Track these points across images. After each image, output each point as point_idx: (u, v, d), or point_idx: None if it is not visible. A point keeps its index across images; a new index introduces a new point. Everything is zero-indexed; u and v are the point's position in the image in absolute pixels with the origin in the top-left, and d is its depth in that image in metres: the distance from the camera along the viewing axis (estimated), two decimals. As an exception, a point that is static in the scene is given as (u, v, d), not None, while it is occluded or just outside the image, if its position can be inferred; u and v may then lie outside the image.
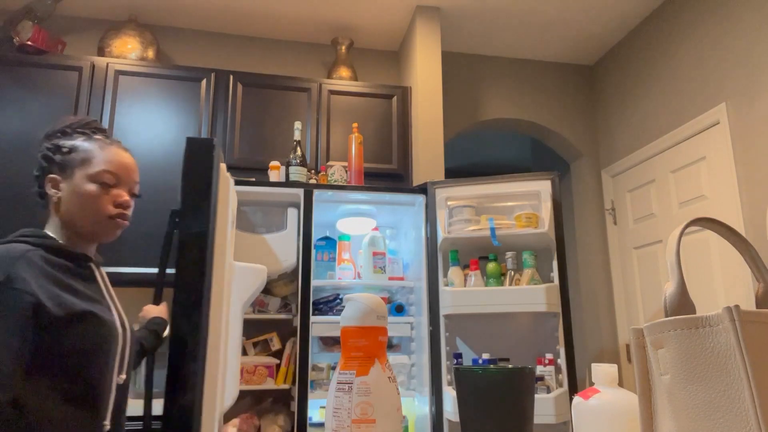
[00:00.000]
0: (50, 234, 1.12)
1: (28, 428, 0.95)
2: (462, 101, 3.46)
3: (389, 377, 0.67)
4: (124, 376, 1.14)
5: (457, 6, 3.08)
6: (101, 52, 2.85)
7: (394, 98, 3.00)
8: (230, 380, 1.73)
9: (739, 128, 2.50)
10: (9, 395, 0.92)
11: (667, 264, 0.60)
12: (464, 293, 2.31)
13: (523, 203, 2.45)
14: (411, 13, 3.13)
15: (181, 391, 1.34)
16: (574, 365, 2.23)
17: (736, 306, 0.50)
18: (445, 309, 2.32)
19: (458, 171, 5.84)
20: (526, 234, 2.34)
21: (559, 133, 3.57)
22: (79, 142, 1.15)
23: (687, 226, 0.62)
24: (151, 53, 2.89)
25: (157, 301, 1.49)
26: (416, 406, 2.47)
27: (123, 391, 1.14)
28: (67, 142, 1.15)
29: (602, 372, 0.78)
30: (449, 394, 2.24)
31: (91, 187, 1.12)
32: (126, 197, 1.16)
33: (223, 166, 1.55)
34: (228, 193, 1.85)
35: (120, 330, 1.13)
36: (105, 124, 2.65)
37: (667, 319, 0.56)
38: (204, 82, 2.80)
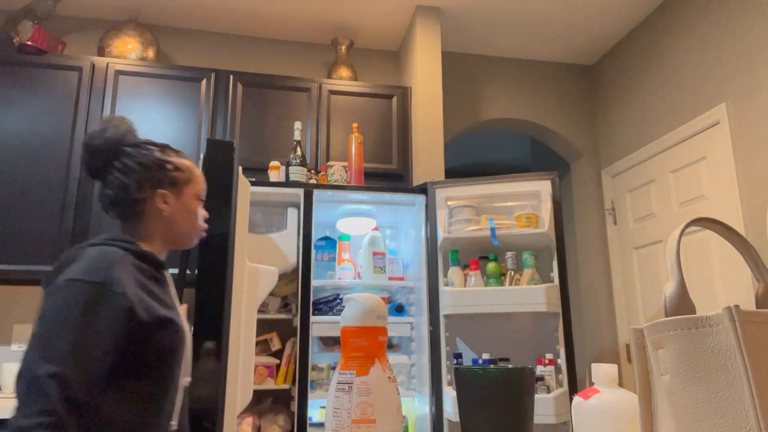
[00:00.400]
0: (134, 240, 1.17)
1: (104, 428, 0.97)
2: (462, 101, 3.46)
3: (389, 377, 0.67)
4: (188, 379, 1.19)
5: (457, 6, 3.08)
6: (101, 52, 2.85)
7: (394, 98, 3.00)
8: (246, 380, 1.73)
9: (739, 128, 2.50)
10: (92, 396, 0.93)
11: (667, 264, 0.60)
12: (464, 293, 2.31)
13: (523, 203, 2.45)
14: (411, 13, 3.13)
15: (206, 389, 1.37)
16: (574, 365, 2.23)
17: (736, 306, 0.50)
18: (445, 309, 2.32)
19: (458, 171, 5.84)
20: (526, 234, 2.34)
21: (559, 133, 3.57)
22: (178, 160, 1.25)
23: (687, 226, 0.62)
24: (151, 53, 2.89)
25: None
26: (416, 406, 2.47)
27: (185, 392, 1.19)
28: (170, 159, 1.23)
29: (602, 372, 0.78)
30: (449, 394, 2.24)
31: (196, 204, 1.27)
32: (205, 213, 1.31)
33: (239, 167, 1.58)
34: (246, 195, 1.86)
35: (187, 335, 1.19)
36: (105, 124, 2.65)
37: (667, 319, 0.56)
38: (204, 82, 2.80)
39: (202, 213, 1.28)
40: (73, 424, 0.88)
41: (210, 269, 1.55)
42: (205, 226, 1.29)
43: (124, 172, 1.17)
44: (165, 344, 1.06)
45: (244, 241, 1.73)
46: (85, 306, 0.95)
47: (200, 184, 1.28)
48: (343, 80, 3.05)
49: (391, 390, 0.66)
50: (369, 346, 0.67)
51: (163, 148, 1.25)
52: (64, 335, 0.92)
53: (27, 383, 0.88)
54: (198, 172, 1.28)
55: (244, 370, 1.71)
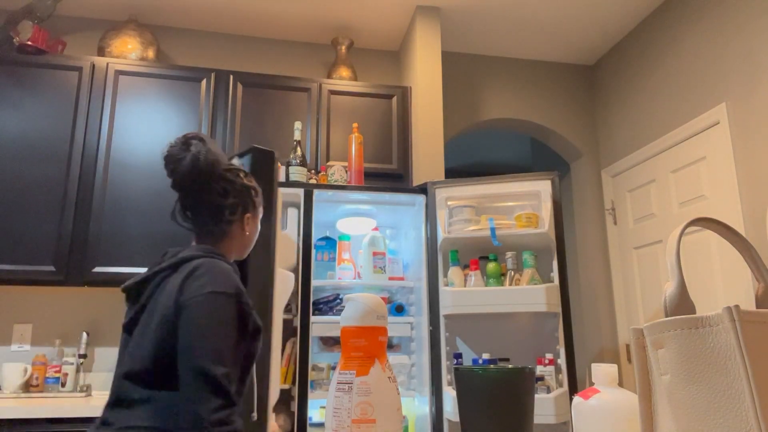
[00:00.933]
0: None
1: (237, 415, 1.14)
2: (462, 101, 3.46)
3: (389, 377, 0.67)
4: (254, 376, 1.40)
5: (457, 6, 3.08)
6: (101, 52, 2.85)
7: (394, 98, 3.00)
8: (275, 379, 1.81)
9: (739, 128, 2.50)
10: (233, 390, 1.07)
11: (667, 264, 0.60)
12: (464, 293, 2.31)
13: (523, 203, 2.45)
14: (411, 13, 3.13)
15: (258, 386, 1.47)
16: (574, 365, 2.23)
17: (736, 306, 0.50)
18: (445, 309, 2.32)
19: (458, 171, 5.84)
20: (526, 234, 2.34)
21: (559, 133, 3.57)
22: (256, 184, 1.36)
23: (687, 226, 0.62)
24: (151, 53, 2.89)
25: None
26: (416, 406, 2.47)
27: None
28: (253, 184, 1.35)
29: (602, 372, 0.78)
30: (449, 394, 2.24)
31: (260, 224, 1.39)
32: None
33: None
34: (279, 200, 1.94)
35: None
36: (105, 124, 2.65)
37: (667, 319, 0.56)
38: (204, 82, 2.80)
39: None
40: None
41: (257, 275, 1.64)
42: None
43: (222, 195, 1.25)
44: (257, 347, 1.20)
45: (280, 246, 1.78)
46: (230, 315, 1.09)
47: (261, 209, 1.38)
48: (343, 80, 3.05)
49: (391, 390, 0.66)
50: (369, 346, 0.66)
51: (246, 173, 1.34)
52: (224, 341, 1.06)
53: (206, 381, 1.02)
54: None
55: (274, 369, 1.79)
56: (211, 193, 1.25)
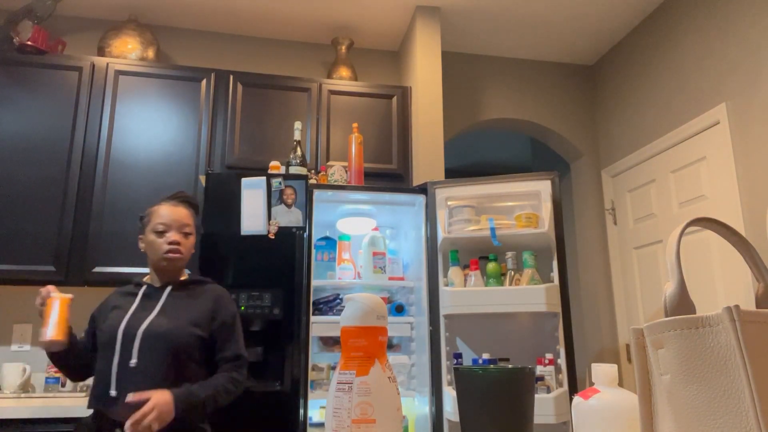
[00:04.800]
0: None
1: None
2: (462, 101, 3.46)
3: (389, 377, 0.67)
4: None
5: (457, 6, 3.08)
6: (101, 52, 2.85)
7: (394, 98, 3.00)
8: None
9: (739, 128, 2.50)
10: None
11: (667, 264, 0.60)
12: (464, 293, 2.31)
13: (523, 203, 2.45)
14: (411, 13, 3.13)
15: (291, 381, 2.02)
16: (574, 365, 2.23)
17: (736, 306, 0.50)
18: (445, 309, 2.32)
19: (458, 171, 5.84)
20: (526, 234, 2.34)
21: (559, 133, 3.57)
22: (150, 209, 1.77)
23: (687, 226, 0.62)
24: (151, 53, 2.89)
25: None
26: (416, 406, 2.47)
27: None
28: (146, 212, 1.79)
29: (602, 372, 0.78)
30: (449, 394, 2.24)
31: (152, 236, 1.71)
32: (174, 237, 1.70)
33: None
34: None
35: None
36: (105, 124, 2.65)
37: (667, 319, 0.56)
38: (204, 82, 2.80)
39: (167, 239, 1.71)
40: None
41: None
42: (168, 248, 1.70)
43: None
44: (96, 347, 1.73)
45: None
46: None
47: (153, 222, 1.72)
48: (343, 80, 3.05)
49: (391, 390, 0.66)
50: (369, 346, 0.66)
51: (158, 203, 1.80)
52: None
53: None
54: (159, 210, 1.73)
55: None
56: None
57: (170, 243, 1.69)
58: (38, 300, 1.56)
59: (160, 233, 1.69)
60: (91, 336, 1.72)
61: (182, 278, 1.77)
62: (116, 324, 1.60)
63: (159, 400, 1.46)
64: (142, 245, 1.74)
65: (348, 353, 0.67)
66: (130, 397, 1.44)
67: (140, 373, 1.55)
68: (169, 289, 1.70)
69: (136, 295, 1.69)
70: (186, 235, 1.73)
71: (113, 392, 1.54)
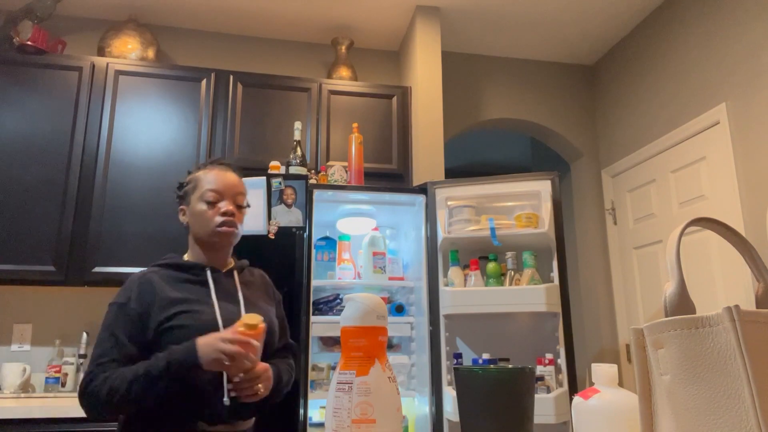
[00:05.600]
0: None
1: None
2: (462, 101, 3.46)
3: (389, 377, 0.67)
4: None
5: (457, 6, 3.08)
6: (101, 52, 2.85)
7: (394, 98, 3.00)
8: None
9: (739, 128, 2.50)
10: None
11: (667, 264, 0.60)
12: (464, 293, 2.31)
13: (523, 203, 2.45)
14: (411, 13, 3.13)
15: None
16: (574, 365, 2.23)
17: (736, 306, 0.50)
18: (445, 309, 2.32)
19: (458, 171, 5.84)
20: (526, 234, 2.34)
21: (559, 133, 3.57)
22: (192, 176, 1.46)
23: (687, 226, 0.62)
24: (151, 53, 2.89)
25: None
26: (416, 406, 2.47)
27: None
28: (186, 179, 1.48)
29: (602, 372, 0.78)
30: (449, 394, 2.24)
31: (201, 206, 1.40)
32: (229, 207, 1.40)
33: None
34: None
35: None
36: (105, 124, 2.65)
37: (667, 319, 0.56)
38: (204, 82, 2.80)
39: (219, 209, 1.40)
40: None
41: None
42: (221, 219, 1.39)
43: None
44: (173, 339, 1.36)
45: None
46: (108, 321, 1.33)
47: (200, 190, 1.42)
48: (343, 80, 3.05)
49: (391, 390, 0.65)
50: (369, 346, 0.66)
51: (195, 170, 1.50)
52: (99, 345, 1.29)
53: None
54: (209, 176, 1.42)
55: None
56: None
57: (224, 214, 1.38)
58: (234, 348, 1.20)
59: (211, 203, 1.39)
60: (141, 339, 1.28)
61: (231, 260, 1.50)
62: (211, 318, 1.30)
63: (267, 370, 1.29)
64: (184, 219, 1.44)
65: (348, 353, 0.67)
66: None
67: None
68: (236, 275, 1.44)
69: (202, 282, 1.37)
70: (240, 207, 1.44)
71: (227, 399, 1.25)
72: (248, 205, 1.47)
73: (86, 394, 1.21)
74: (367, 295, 0.69)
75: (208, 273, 1.38)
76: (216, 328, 1.27)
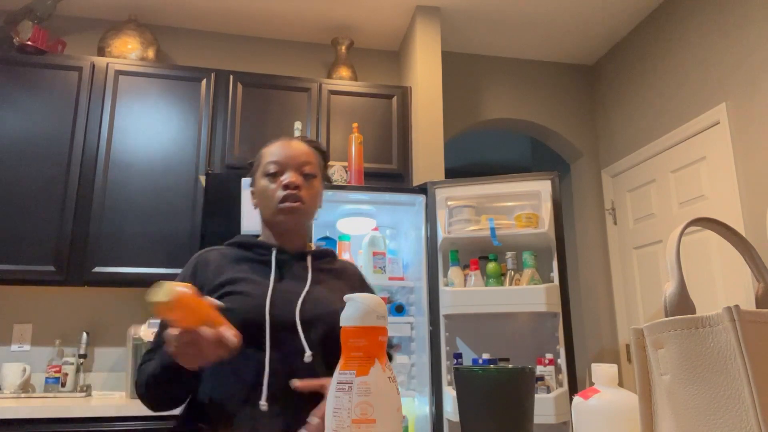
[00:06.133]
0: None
1: None
2: (462, 101, 3.46)
3: (389, 377, 0.67)
4: None
5: (457, 6, 3.08)
6: (101, 52, 2.85)
7: (394, 98, 3.00)
8: None
9: (739, 128, 2.50)
10: None
11: (667, 264, 0.60)
12: (464, 293, 2.31)
13: (523, 203, 2.45)
14: (411, 13, 3.13)
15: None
16: (574, 365, 2.23)
17: (736, 306, 0.50)
18: (445, 309, 2.32)
19: (458, 171, 5.84)
20: (526, 234, 2.34)
21: (559, 133, 3.57)
22: (259, 153, 1.30)
23: (687, 226, 0.62)
24: (151, 53, 2.89)
25: None
26: (416, 406, 2.47)
27: None
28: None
29: (602, 372, 0.78)
30: (449, 394, 2.24)
31: (263, 182, 1.23)
32: (292, 179, 1.19)
33: None
34: None
35: None
36: (105, 124, 2.65)
37: (667, 319, 0.56)
38: (204, 82, 2.80)
39: (282, 181, 1.21)
40: None
41: None
42: (284, 193, 1.19)
43: None
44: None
45: None
46: None
47: (265, 160, 1.25)
48: (343, 80, 3.05)
49: (391, 390, 0.66)
50: (369, 346, 0.67)
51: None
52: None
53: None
54: (269, 149, 1.26)
55: None
56: None
57: (286, 187, 1.19)
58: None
59: (272, 175, 1.21)
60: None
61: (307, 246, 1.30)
62: (258, 302, 1.11)
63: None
64: (254, 200, 1.27)
65: (348, 353, 0.67)
66: (298, 383, 1.02)
67: (313, 371, 1.09)
68: (310, 258, 1.24)
69: (266, 262, 1.19)
70: (308, 177, 1.22)
71: (264, 405, 1.03)
72: (327, 180, 1.27)
73: (136, 387, 1.11)
74: (367, 295, 0.70)
75: (273, 252, 1.20)
76: (262, 314, 1.08)
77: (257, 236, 1.28)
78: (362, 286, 1.31)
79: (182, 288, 0.87)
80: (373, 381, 0.64)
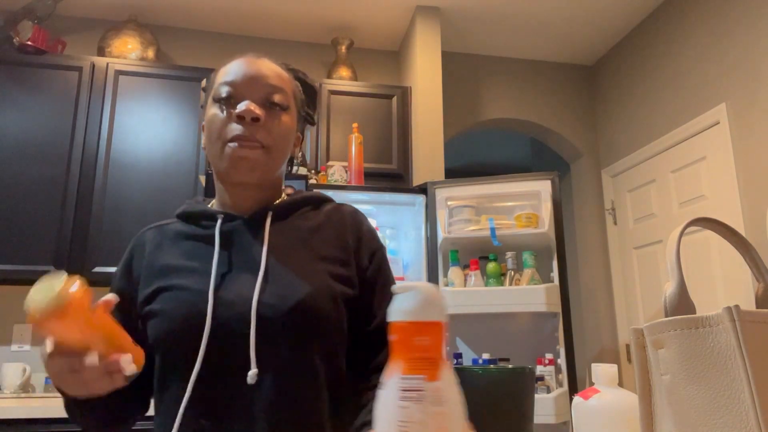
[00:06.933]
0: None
1: None
2: (462, 101, 3.46)
3: (456, 383, 0.55)
4: None
5: (457, 6, 3.08)
6: (101, 52, 2.85)
7: (394, 98, 3.00)
8: None
9: (739, 128, 2.50)
10: None
11: (667, 264, 0.60)
12: (464, 293, 2.31)
13: (523, 203, 2.45)
14: (411, 13, 3.13)
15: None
16: (574, 365, 2.23)
17: (736, 306, 0.50)
18: (445, 309, 2.32)
19: (458, 171, 5.84)
20: (526, 234, 2.34)
21: (559, 133, 3.57)
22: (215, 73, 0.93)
23: (687, 226, 0.62)
24: (151, 53, 2.89)
25: None
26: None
27: None
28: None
29: (602, 372, 0.78)
30: (449, 394, 2.24)
31: (212, 110, 0.86)
32: (248, 107, 0.82)
33: None
34: None
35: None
36: (105, 124, 2.65)
37: (667, 319, 0.56)
38: (204, 82, 2.79)
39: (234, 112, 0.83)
40: None
41: None
42: (234, 132, 0.82)
43: None
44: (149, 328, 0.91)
45: None
46: None
47: (218, 81, 0.91)
48: (343, 80, 3.05)
49: (460, 399, 0.55)
50: (436, 345, 0.54)
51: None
52: None
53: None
54: (226, 67, 0.94)
55: None
56: None
57: (240, 119, 0.83)
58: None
59: (224, 101, 0.85)
60: (132, 331, 0.73)
61: (281, 198, 0.92)
62: (197, 299, 0.78)
63: None
64: (204, 140, 0.88)
65: (410, 354, 0.55)
66: None
67: (264, 400, 0.75)
68: (269, 218, 0.86)
69: (208, 237, 0.85)
70: (274, 108, 0.86)
71: None
72: (310, 122, 0.96)
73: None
74: (426, 283, 0.57)
75: (218, 223, 0.85)
76: (202, 317, 0.76)
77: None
78: (356, 224, 0.92)
79: (73, 287, 0.60)
80: (446, 387, 0.53)
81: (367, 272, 0.88)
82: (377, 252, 0.91)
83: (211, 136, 0.84)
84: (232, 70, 0.90)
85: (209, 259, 0.82)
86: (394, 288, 0.56)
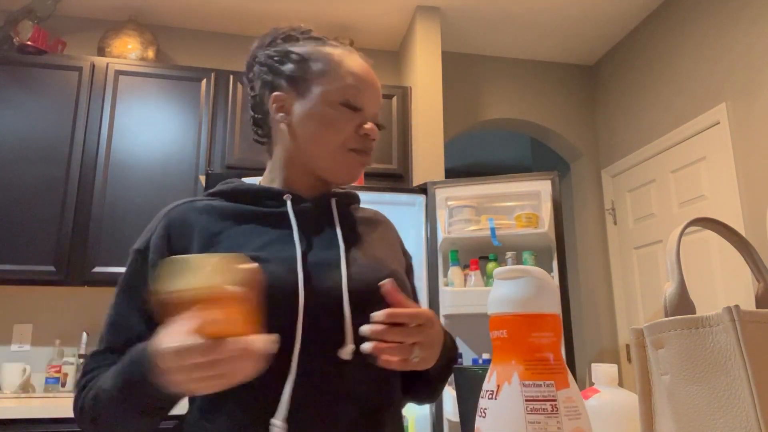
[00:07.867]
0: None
1: None
2: (462, 101, 3.46)
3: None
4: None
5: (457, 6, 3.08)
6: (101, 52, 2.85)
7: (394, 98, 3.00)
8: None
9: (739, 128, 2.50)
10: None
11: (667, 264, 0.60)
12: (464, 293, 2.31)
13: (523, 203, 2.45)
14: (411, 13, 3.13)
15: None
16: (574, 365, 2.23)
17: (736, 306, 0.50)
18: (445, 309, 2.32)
19: (458, 171, 5.84)
20: (526, 234, 2.34)
21: (559, 133, 3.57)
22: (309, 49, 0.87)
23: (687, 226, 0.62)
24: (151, 53, 2.89)
25: None
26: (416, 406, 2.47)
27: None
28: (293, 49, 0.87)
29: (602, 372, 0.77)
30: (449, 394, 2.24)
31: (332, 109, 0.84)
32: (374, 129, 0.86)
33: None
34: None
35: None
36: (105, 125, 2.65)
37: (667, 319, 0.56)
38: (204, 82, 2.80)
39: (361, 123, 0.85)
40: None
41: None
42: (360, 143, 0.85)
43: (250, 86, 0.91)
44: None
45: None
46: (124, 276, 0.89)
47: (340, 80, 0.84)
48: (343, 80, 3.04)
49: (587, 411, 0.45)
50: (555, 343, 0.45)
51: (298, 37, 0.90)
52: (111, 308, 0.86)
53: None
54: (350, 62, 0.87)
55: None
56: (248, 88, 0.93)
57: (365, 136, 0.86)
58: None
59: (352, 108, 0.85)
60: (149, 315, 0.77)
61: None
62: (285, 276, 0.76)
63: (433, 318, 0.78)
64: (281, 118, 0.86)
65: (528, 355, 0.44)
66: (388, 286, 0.74)
67: (355, 375, 0.78)
68: (334, 204, 0.90)
69: (276, 216, 0.84)
70: (380, 127, 0.91)
71: (279, 425, 0.71)
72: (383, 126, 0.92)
73: (77, 414, 0.76)
74: (536, 268, 0.47)
75: (289, 204, 0.84)
76: (293, 292, 0.75)
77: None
78: (396, 232, 1.00)
79: (247, 266, 0.53)
80: (578, 398, 0.44)
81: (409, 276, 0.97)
82: (411, 265, 1.01)
83: (328, 134, 0.84)
84: (358, 74, 0.87)
85: (284, 237, 0.81)
86: (498, 272, 0.47)
